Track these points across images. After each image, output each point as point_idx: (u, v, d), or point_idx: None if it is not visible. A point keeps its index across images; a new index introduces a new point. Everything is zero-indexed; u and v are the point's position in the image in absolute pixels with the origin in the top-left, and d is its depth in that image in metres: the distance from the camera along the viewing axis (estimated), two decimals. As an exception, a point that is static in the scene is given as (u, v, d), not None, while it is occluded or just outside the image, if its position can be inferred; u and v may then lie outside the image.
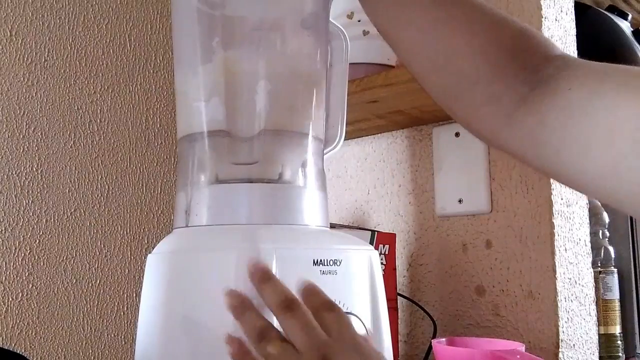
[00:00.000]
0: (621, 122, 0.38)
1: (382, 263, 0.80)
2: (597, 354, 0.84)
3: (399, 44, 0.49)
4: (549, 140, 0.42)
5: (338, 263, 0.45)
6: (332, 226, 0.71)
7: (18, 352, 0.64)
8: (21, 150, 0.75)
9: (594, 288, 0.86)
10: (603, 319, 0.97)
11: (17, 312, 0.72)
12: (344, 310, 0.44)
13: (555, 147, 0.42)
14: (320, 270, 0.44)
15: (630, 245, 1.06)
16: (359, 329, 0.43)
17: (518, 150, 0.46)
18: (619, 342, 0.98)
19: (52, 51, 0.78)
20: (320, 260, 0.44)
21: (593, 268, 0.87)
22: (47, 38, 0.78)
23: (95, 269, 0.80)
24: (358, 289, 0.46)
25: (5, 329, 0.71)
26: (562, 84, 0.43)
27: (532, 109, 0.44)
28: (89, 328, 0.78)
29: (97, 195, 0.81)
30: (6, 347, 0.70)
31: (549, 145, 0.42)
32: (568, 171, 0.42)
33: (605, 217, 1.02)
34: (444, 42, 0.46)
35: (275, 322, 0.40)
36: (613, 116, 0.39)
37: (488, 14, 0.47)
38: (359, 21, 0.82)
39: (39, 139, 0.76)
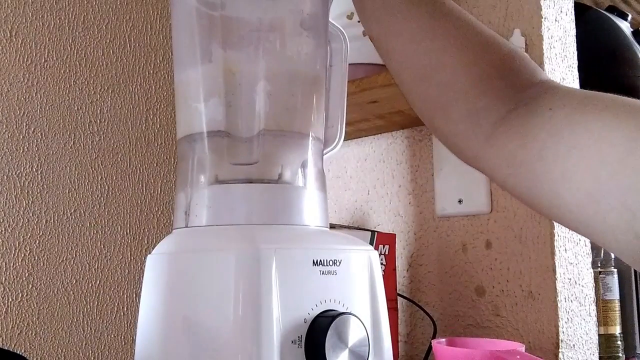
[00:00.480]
0: (607, 148, 0.37)
1: (382, 263, 0.80)
2: (597, 354, 0.84)
3: (390, 53, 0.49)
4: (529, 162, 0.41)
5: (338, 263, 0.45)
6: (332, 226, 0.71)
7: (18, 352, 0.64)
8: (21, 151, 0.75)
9: (593, 288, 0.86)
10: (603, 319, 0.97)
11: (17, 312, 0.72)
12: (344, 310, 0.44)
13: (535, 170, 0.41)
14: (320, 271, 0.44)
15: (630, 246, 1.06)
16: (359, 329, 0.43)
17: (499, 173, 0.45)
18: (619, 342, 0.98)
19: (52, 52, 0.78)
20: (320, 261, 0.44)
21: (593, 268, 0.88)
22: (47, 38, 0.78)
23: (95, 270, 0.80)
24: (358, 289, 0.46)
25: (5, 330, 0.71)
26: (543, 104, 0.42)
27: (512, 128, 0.43)
28: (89, 328, 0.78)
29: (97, 196, 0.81)
30: (6, 348, 0.70)
31: (529, 167, 0.41)
32: (546, 197, 0.41)
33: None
34: (434, 54, 0.46)
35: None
36: (596, 140, 0.37)
37: (480, 33, 0.47)
38: (359, 22, 0.82)
39: (39, 139, 0.76)
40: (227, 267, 0.42)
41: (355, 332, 0.43)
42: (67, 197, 0.78)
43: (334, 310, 0.43)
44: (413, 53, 0.47)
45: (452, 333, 0.88)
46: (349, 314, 0.43)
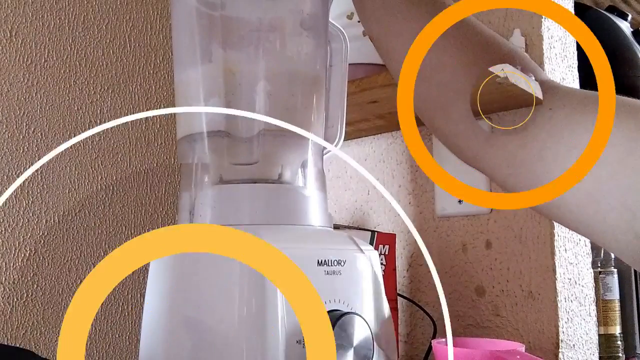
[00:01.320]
0: (607, 148, 0.37)
1: (382, 263, 0.80)
2: (597, 354, 0.84)
3: (390, 53, 0.49)
4: (529, 162, 0.41)
5: (342, 263, 0.45)
6: (336, 227, 0.71)
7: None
8: (21, 151, 0.74)
9: (593, 288, 0.86)
10: (603, 319, 0.97)
11: (21, 312, 0.72)
12: (349, 310, 0.44)
13: (535, 170, 0.41)
14: (325, 271, 0.44)
15: (630, 245, 1.06)
16: (364, 329, 0.43)
17: (499, 173, 0.45)
18: (619, 342, 0.98)
19: (52, 52, 0.78)
20: (325, 261, 0.44)
21: (593, 268, 0.88)
22: (47, 38, 0.78)
23: (96, 270, 0.79)
24: (362, 289, 0.46)
25: (10, 330, 0.71)
26: (543, 104, 0.42)
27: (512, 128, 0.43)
28: (93, 328, 0.78)
29: (101, 196, 0.81)
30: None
31: (529, 167, 0.41)
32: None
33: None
34: (434, 55, 0.46)
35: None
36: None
37: (480, 33, 0.47)
38: (359, 22, 0.82)
39: (39, 139, 0.76)
40: (232, 267, 0.42)
41: (359, 332, 0.43)
42: (70, 197, 0.78)
43: (339, 310, 0.43)
44: None
45: (452, 333, 0.88)
46: (354, 313, 0.43)
